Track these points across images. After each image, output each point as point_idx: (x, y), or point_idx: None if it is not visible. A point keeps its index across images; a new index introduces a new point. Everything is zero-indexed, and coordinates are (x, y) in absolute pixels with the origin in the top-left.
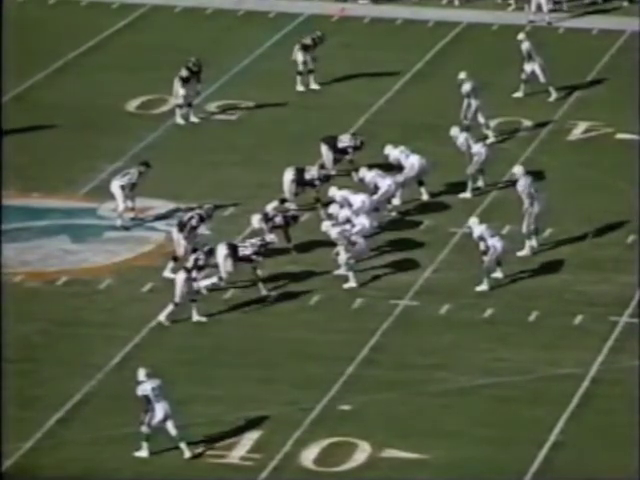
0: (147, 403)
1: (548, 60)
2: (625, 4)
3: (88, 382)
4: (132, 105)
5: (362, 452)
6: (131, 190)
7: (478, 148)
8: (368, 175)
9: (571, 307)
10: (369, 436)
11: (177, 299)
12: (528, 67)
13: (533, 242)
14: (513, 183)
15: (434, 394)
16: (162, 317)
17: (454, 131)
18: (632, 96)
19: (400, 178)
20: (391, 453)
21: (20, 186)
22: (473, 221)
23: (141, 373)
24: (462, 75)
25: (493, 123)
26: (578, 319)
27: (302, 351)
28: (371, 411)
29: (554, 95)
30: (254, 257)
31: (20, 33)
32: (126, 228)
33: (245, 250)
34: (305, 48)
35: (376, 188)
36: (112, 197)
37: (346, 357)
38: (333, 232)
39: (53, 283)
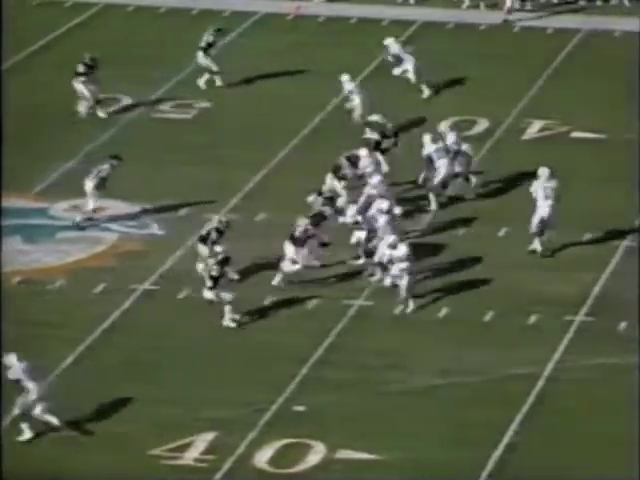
0: (20, 385)
1: (504, 59)
2: (582, 2)
3: (40, 383)
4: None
5: (316, 453)
6: (102, 185)
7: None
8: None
9: (526, 306)
10: (324, 437)
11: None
12: (398, 70)
13: (536, 244)
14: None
15: (389, 395)
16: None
17: (427, 139)
18: (587, 95)
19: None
20: (346, 454)
21: None
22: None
23: (10, 357)
24: (344, 77)
25: (449, 122)
26: (533, 318)
27: (257, 351)
28: (326, 412)
29: (427, 92)
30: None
31: None
32: (81, 228)
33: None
34: (206, 49)
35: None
36: (63, 197)
37: (301, 357)
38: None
39: (6, 284)
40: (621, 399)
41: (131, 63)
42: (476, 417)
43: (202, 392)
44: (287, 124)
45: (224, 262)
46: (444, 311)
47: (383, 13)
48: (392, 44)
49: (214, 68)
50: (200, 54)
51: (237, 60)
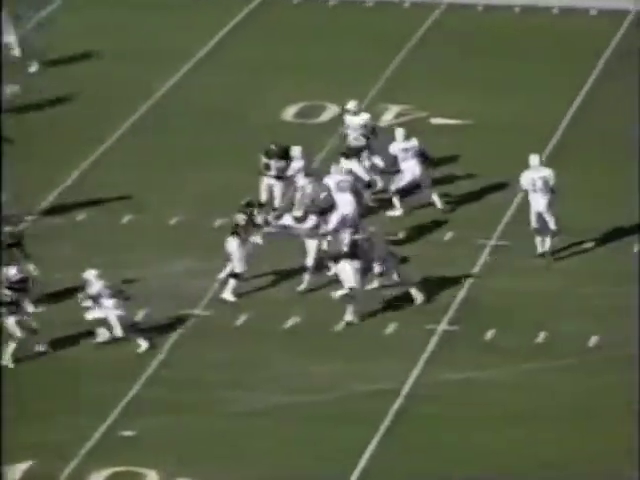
0: None
1: (355, 36)
2: None
3: None
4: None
5: None
6: None
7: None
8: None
9: (383, 315)
10: (157, 464)
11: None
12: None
13: (546, 243)
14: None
15: (230, 415)
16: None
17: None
18: (449, 76)
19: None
20: None
21: None
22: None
23: None
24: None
25: (296, 108)
26: (391, 328)
27: (77, 370)
28: (159, 436)
29: (34, 68)
30: None
31: None
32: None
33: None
34: None
35: None
36: None
37: (129, 376)
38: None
39: None
40: (485, 414)
41: None
42: (329, 437)
43: (16, 416)
44: (109, 114)
45: (20, 284)
46: (291, 321)
47: None
48: None
49: None
50: None
51: (52, 39)
